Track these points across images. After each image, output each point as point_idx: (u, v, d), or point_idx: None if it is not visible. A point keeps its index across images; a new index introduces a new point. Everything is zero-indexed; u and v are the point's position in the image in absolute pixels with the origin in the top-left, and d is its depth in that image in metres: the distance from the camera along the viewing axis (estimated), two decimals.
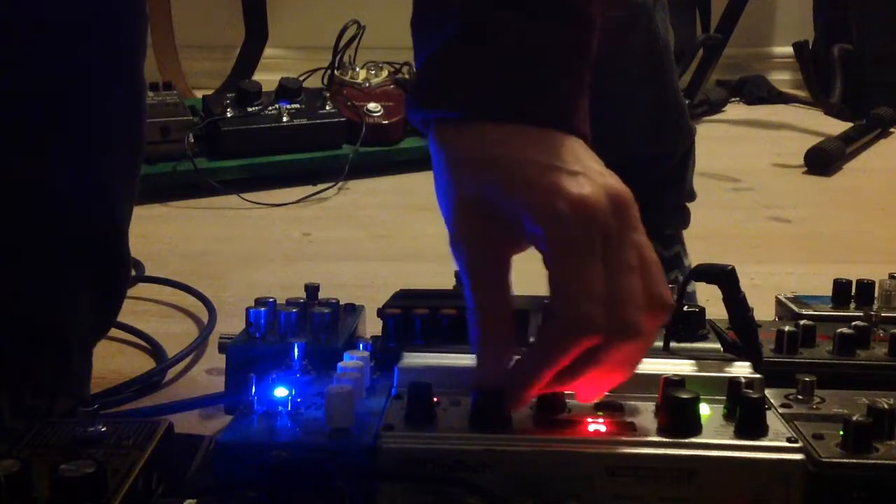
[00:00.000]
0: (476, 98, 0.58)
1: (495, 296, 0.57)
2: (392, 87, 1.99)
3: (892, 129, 2.35)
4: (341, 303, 0.77)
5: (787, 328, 0.71)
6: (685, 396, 0.56)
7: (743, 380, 0.59)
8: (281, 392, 0.59)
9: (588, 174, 0.56)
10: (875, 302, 0.82)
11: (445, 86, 0.59)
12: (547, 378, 0.56)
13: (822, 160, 1.97)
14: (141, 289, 1.20)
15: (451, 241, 0.57)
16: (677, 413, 0.56)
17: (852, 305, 0.82)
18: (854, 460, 0.54)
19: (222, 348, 0.73)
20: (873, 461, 0.54)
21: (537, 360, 0.56)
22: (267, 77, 2.07)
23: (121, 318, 0.90)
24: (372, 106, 1.91)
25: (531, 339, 0.70)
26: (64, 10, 0.71)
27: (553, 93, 0.59)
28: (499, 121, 0.57)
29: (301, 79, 1.95)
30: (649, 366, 0.64)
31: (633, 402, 0.60)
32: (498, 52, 0.58)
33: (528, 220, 0.55)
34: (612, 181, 0.57)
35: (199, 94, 2.02)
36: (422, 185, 1.71)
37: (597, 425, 0.57)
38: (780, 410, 0.60)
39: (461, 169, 0.58)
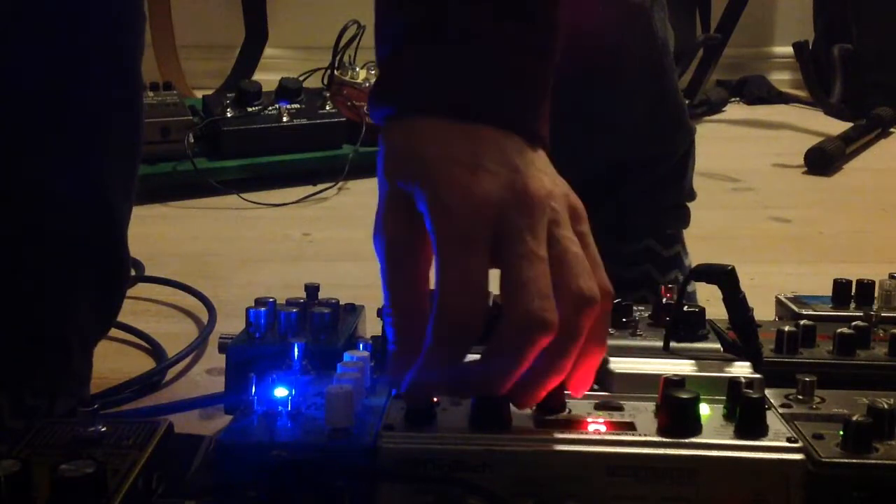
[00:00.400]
0: (411, 93, 0.57)
1: (410, 297, 0.56)
2: None
3: (892, 129, 2.35)
4: (341, 303, 0.77)
5: (787, 328, 0.71)
6: (685, 396, 0.56)
7: (743, 380, 0.59)
8: (281, 392, 0.59)
9: (498, 172, 0.55)
10: (875, 302, 0.82)
11: (391, 83, 0.59)
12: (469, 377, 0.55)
13: (822, 160, 1.97)
14: (141, 289, 1.20)
15: (374, 234, 0.57)
16: (677, 413, 0.56)
17: (852, 305, 0.82)
18: (854, 460, 0.54)
19: (222, 348, 0.73)
20: (873, 461, 0.54)
21: (429, 360, 0.55)
22: (267, 77, 2.07)
23: (121, 318, 0.90)
24: None
25: None
26: (62, 10, 0.71)
27: (495, 89, 0.57)
28: (432, 116, 0.56)
29: (301, 79, 1.95)
30: (649, 366, 0.64)
31: (633, 402, 0.60)
32: (444, 49, 0.57)
33: (426, 217, 0.55)
34: (527, 180, 0.55)
35: (199, 94, 2.02)
36: None
37: (597, 425, 0.57)
38: (780, 410, 0.60)
39: (389, 164, 0.57)
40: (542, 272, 0.54)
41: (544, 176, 0.57)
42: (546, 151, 0.59)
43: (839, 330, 0.71)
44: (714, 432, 0.56)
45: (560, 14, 0.60)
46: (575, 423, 0.57)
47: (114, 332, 1.00)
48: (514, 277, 0.53)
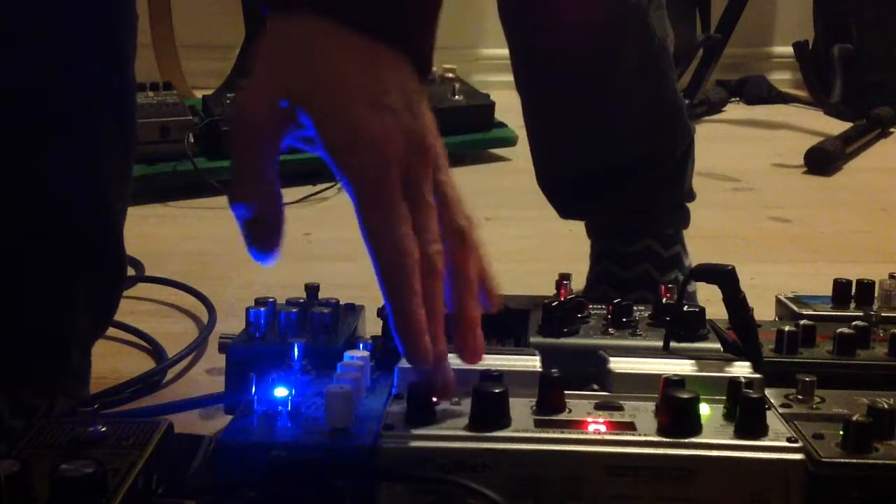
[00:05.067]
0: None
1: (262, 184, 0.59)
2: None
3: (892, 129, 2.35)
4: (341, 303, 0.77)
5: (787, 328, 0.71)
6: (685, 396, 0.56)
7: (743, 380, 0.59)
8: (281, 392, 0.59)
9: (400, 113, 0.56)
10: (875, 302, 0.82)
11: None
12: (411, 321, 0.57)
13: (822, 160, 1.97)
14: (141, 289, 1.20)
15: (232, 114, 0.57)
16: (677, 413, 0.56)
17: (852, 305, 0.82)
18: (854, 460, 0.54)
19: (222, 348, 0.73)
20: (873, 461, 0.54)
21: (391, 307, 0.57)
22: None
23: (121, 318, 0.90)
24: None
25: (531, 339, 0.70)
26: (57, 11, 0.71)
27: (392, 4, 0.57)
28: (326, 17, 0.56)
29: None
30: (649, 366, 0.64)
31: (633, 402, 0.60)
32: None
33: (332, 164, 0.56)
34: (422, 123, 0.57)
35: (199, 94, 2.02)
36: None
37: (597, 425, 0.57)
38: (780, 410, 0.60)
39: (276, 67, 0.58)
40: (433, 217, 0.56)
41: (427, 115, 0.58)
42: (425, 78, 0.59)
43: (839, 330, 0.71)
44: (714, 432, 0.56)
45: None
46: (575, 423, 0.57)
47: (114, 332, 1.00)
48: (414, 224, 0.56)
